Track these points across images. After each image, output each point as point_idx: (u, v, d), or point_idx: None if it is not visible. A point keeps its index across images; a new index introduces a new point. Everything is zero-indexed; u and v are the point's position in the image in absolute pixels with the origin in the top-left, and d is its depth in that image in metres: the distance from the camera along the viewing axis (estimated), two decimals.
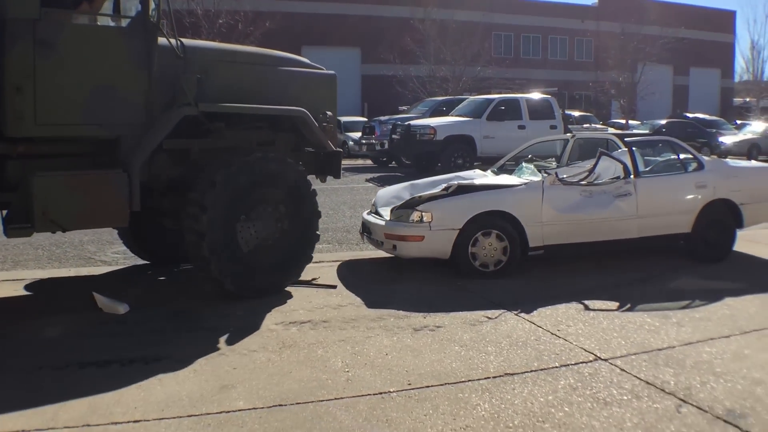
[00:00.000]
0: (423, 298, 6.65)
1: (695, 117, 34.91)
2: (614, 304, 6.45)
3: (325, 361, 5.05)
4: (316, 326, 5.78)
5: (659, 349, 5.26)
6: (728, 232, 8.43)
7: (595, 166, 8.50)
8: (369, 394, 4.47)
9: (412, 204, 7.67)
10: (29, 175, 5.55)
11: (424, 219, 7.36)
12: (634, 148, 8.42)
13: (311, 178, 7.27)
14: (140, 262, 8.16)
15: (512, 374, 4.84)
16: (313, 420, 4.06)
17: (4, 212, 6.03)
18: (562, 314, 6.11)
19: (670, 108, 50.02)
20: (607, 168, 8.61)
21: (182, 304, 6.39)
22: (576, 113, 32.22)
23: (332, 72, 7.67)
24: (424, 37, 33.97)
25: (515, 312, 6.22)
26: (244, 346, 5.34)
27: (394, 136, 20.00)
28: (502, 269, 7.47)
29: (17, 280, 7.27)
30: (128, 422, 3.93)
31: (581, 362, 5.04)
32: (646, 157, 9.23)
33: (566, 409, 4.25)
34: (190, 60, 6.26)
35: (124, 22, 6.28)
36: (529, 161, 9.32)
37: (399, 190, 8.80)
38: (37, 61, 5.48)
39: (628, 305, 6.40)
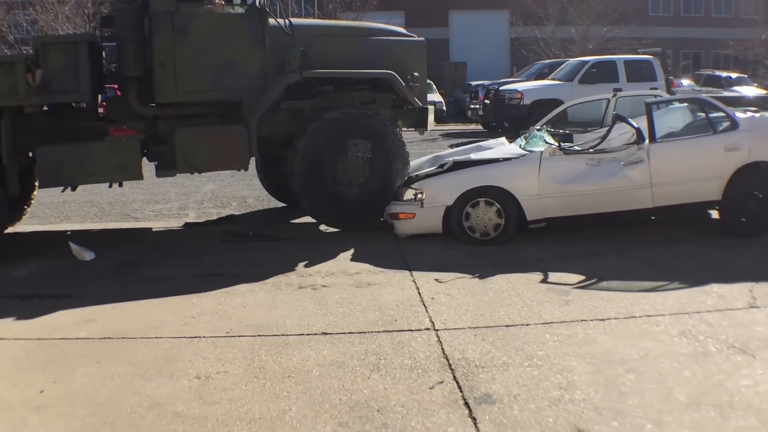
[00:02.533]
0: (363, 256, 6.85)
1: None
2: (538, 276, 6.00)
3: (191, 306, 5.44)
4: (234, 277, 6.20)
5: (507, 326, 4.85)
6: None
7: (609, 131, 7.69)
8: (184, 337, 4.77)
9: (409, 182, 7.65)
10: (173, 130, 7.25)
11: (418, 197, 7.27)
12: (654, 111, 7.43)
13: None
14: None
15: (329, 334, 4.79)
16: (116, 352, 4.54)
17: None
18: (465, 283, 5.85)
19: None
20: (626, 133, 7.83)
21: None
22: (733, 74, 28.86)
23: (421, 39, 8.56)
24: None
25: (420, 276, 6.08)
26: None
27: (486, 100, 19.43)
28: (501, 234, 7.17)
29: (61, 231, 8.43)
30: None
31: (409, 329, 4.83)
32: (676, 120, 8.17)
33: (338, 371, 4.18)
34: (296, 35, 7.57)
35: (242, 9, 7.63)
36: (542, 129, 8.60)
37: (421, 163, 8.63)
38: (176, 43, 7.15)
39: (556, 278, 5.89)
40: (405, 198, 7.41)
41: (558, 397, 3.75)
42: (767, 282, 5.61)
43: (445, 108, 22.86)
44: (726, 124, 7.38)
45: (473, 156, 7.82)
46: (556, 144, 7.44)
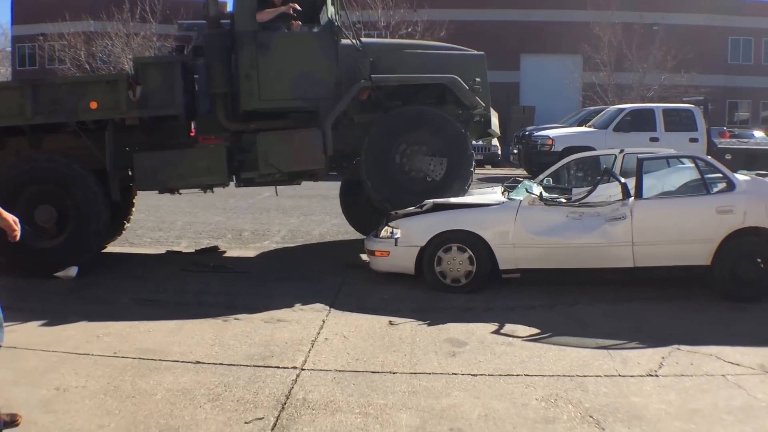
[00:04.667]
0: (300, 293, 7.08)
1: None
2: (457, 326, 5.97)
3: (103, 327, 5.83)
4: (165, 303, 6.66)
5: (373, 372, 4.86)
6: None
7: (596, 185, 7.56)
8: (74, 353, 5.16)
9: (389, 219, 7.74)
10: (256, 136, 8.04)
11: (394, 234, 7.35)
12: (645, 166, 7.24)
13: None
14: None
15: (201, 363, 4.99)
16: (12, 359, 4.84)
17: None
18: (371, 327, 5.95)
19: None
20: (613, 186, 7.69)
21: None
22: None
23: (481, 53, 9.25)
24: (602, 42, 31.59)
25: (334, 317, 6.22)
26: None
27: (518, 146, 19.24)
28: (472, 282, 7.13)
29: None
30: None
31: (276, 366, 4.93)
32: (673, 178, 7.93)
33: (179, 398, 4.36)
34: (366, 51, 8.35)
35: (317, 29, 8.45)
36: (532, 180, 8.56)
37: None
38: (259, 57, 8.04)
39: (469, 330, 5.87)
40: (382, 235, 7.47)
41: None
42: (691, 349, 5.39)
43: (500, 152, 22.73)
44: (722, 185, 7.12)
45: (453, 200, 7.81)
46: (538, 194, 7.33)
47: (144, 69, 7.84)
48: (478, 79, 8.62)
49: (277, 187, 9.38)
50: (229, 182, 8.33)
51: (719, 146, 17.37)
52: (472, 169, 8.48)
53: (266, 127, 8.25)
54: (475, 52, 9.28)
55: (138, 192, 8.77)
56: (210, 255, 8.93)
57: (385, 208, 8.06)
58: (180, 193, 8.74)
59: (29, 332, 5.59)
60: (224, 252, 9.31)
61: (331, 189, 10.94)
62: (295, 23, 8.31)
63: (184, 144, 8.26)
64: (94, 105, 7.67)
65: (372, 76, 8.20)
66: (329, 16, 8.38)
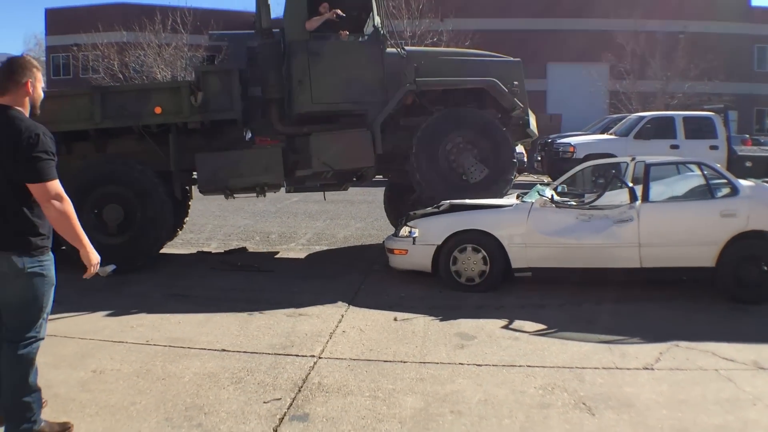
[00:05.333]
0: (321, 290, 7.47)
1: None
2: (469, 321, 6.32)
3: (137, 318, 6.33)
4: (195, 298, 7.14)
5: (385, 361, 5.23)
6: None
7: (605, 188, 7.90)
8: (110, 341, 5.64)
9: (407, 219, 8.12)
10: (309, 136, 8.64)
11: (412, 233, 7.74)
12: (651, 171, 7.54)
13: None
14: None
15: (226, 351, 5.42)
16: (52, 346, 5.19)
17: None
18: (386, 321, 6.30)
19: None
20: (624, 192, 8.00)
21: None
22: None
23: (517, 59, 9.81)
24: (626, 51, 31.65)
25: (352, 312, 6.62)
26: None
27: (542, 153, 19.42)
28: (486, 281, 7.48)
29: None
30: None
31: (296, 355, 5.33)
32: (680, 183, 8.21)
33: (205, 380, 4.77)
34: (409, 58, 8.89)
35: (364, 37, 9.07)
36: (546, 184, 8.93)
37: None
38: (311, 64, 8.63)
39: (478, 325, 6.21)
40: (401, 234, 7.86)
41: (364, 425, 4.12)
42: (689, 345, 5.66)
43: (525, 159, 22.96)
44: (726, 190, 7.38)
45: (469, 201, 8.15)
46: (549, 197, 7.65)
47: (205, 76, 8.45)
48: (516, 83, 9.24)
49: (325, 192, 10.07)
50: (284, 182, 8.85)
51: (740, 154, 17.42)
52: (512, 176, 8.98)
53: (317, 130, 8.75)
54: (512, 58, 9.81)
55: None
56: (238, 255, 9.39)
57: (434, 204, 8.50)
58: (234, 197, 9.26)
59: (67, 322, 6.05)
60: (249, 252, 9.78)
61: (357, 194, 11.38)
62: (343, 33, 8.89)
63: (243, 145, 8.84)
64: (158, 110, 8.30)
65: (416, 79, 8.71)
66: (375, 24, 8.94)
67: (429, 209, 8.11)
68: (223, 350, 5.39)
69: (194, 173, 8.84)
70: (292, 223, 12.17)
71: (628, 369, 5.15)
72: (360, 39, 9.03)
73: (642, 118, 17.67)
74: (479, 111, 9.06)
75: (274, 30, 8.94)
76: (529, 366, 5.20)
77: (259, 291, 7.35)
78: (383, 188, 11.09)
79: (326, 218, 13.15)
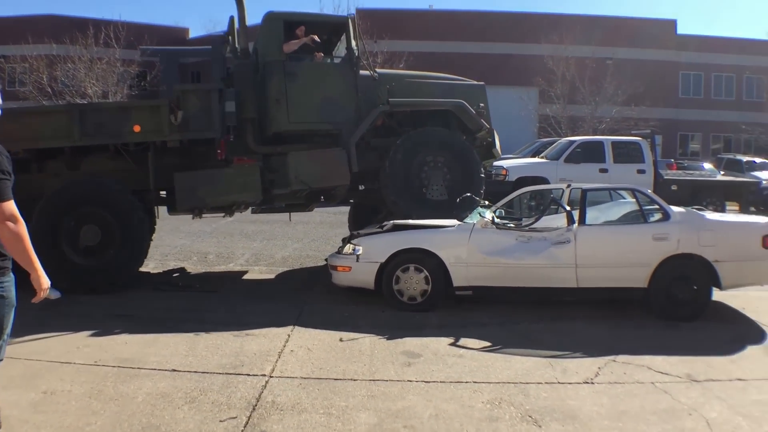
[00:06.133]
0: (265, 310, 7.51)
1: None
2: (413, 340, 6.46)
3: (82, 339, 6.26)
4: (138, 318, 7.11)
5: (336, 379, 5.32)
6: (700, 290, 7.39)
7: (543, 212, 8.28)
8: (57, 362, 5.55)
9: (351, 238, 8.25)
10: (286, 155, 8.82)
11: (356, 251, 7.83)
12: (587, 196, 7.91)
13: None
14: None
15: (177, 371, 5.41)
16: None
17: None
18: (332, 341, 6.39)
19: None
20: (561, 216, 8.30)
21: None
22: (757, 159, 28.62)
23: (481, 83, 10.37)
24: (556, 76, 32.98)
25: (299, 332, 6.67)
26: None
27: None
28: (427, 300, 7.64)
29: None
30: None
31: (247, 374, 5.37)
32: (617, 208, 8.56)
33: (159, 400, 4.77)
34: (381, 80, 9.28)
35: (338, 59, 9.37)
36: (486, 207, 9.16)
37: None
38: (287, 84, 8.84)
39: (422, 344, 6.35)
40: (345, 252, 7.97)
41: None
42: (626, 360, 5.93)
43: None
44: (658, 215, 7.76)
45: (412, 222, 8.35)
46: (490, 218, 7.91)
47: (184, 95, 8.44)
48: (482, 104, 9.73)
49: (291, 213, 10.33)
50: (261, 200, 8.95)
51: (666, 177, 18.18)
52: (481, 194, 9.36)
53: (291, 150, 8.94)
54: (476, 82, 10.37)
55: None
56: (177, 276, 9.32)
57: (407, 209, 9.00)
58: (201, 217, 9.35)
59: (11, 343, 5.88)
60: (190, 273, 9.73)
61: (293, 215, 11.40)
62: (318, 54, 9.20)
63: (220, 164, 8.84)
64: (137, 128, 8.26)
65: (390, 99, 9.14)
66: (351, 47, 9.17)
67: (373, 229, 8.24)
68: (174, 370, 5.38)
69: (161, 192, 8.89)
70: (228, 243, 12.13)
71: (569, 383, 5.37)
72: (334, 61, 9.36)
73: (572, 142, 18.25)
74: (451, 132, 9.44)
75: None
76: (475, 382, 5.37)
77: (204, 311, 7.33)
78: (319, 210, 11.15)
79: (263, 239, 13.14)
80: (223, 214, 9.42)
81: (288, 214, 10.45)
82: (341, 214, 11.63)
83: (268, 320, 6.97)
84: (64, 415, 4.42)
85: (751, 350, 6.39)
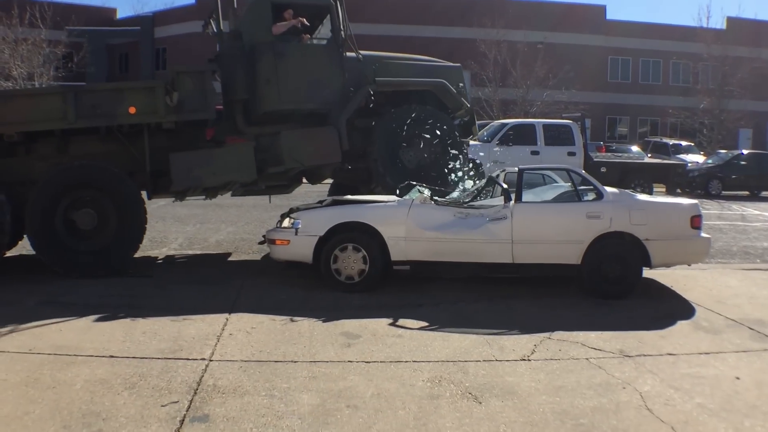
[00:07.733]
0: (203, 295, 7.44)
1: None
2: (352, 321, 6.50)
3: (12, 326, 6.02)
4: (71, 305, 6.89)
5: (276, 361, 5.33)
6: (632, 268, 7.65)
7: (480, 191, 8.53)
8: None
9: (290, 212, 8.23)
10: (279, 134, 9.03)
11: (295, 224, 7.79)
12: (524, 176, 8.07)
13: None
14: None
15: (115, 357, 5.33)
16: None
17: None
18: (271, 324, 6.37)
19: None
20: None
21: None
22: (682, 142, 29.86)
23: (458, 64, 10.95)
24: (488, 59, 33.57)
25: (237, 316, 6.60)
26: None
27: None
28: (364, 280, 7.66)
29: None
30: None
31: (186, 358, 5.32)
32: (553, 187, 8.76)
33: (97, 387, 4.68)
34: (366, 61, 9.57)
35: (325, 41, 9.61)
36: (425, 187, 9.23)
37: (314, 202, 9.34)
38: (278, 64, 9.02)
39: (362, 324, 6.41)
40: (284, 225, 7.95)
41: (265, 423, 4.22)
42: (561, 337, 6.14)
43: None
44: (592, 195, 7.97)
45: (351, 197, 8.45)
46: (429, 194, 8.03)
47: (179, 77, 8.38)
48: (461, 84, 10.22)
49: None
50: (255, 178, 8.98)
51: (595, 160, 18.71)
52: (467, 167, 9.70)
53: (280, 129, 9.12)
54: (453, 64, 10.82)
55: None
56: None
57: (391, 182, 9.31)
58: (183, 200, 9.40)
59: None
60: None
61: (226, 198, 11.31)
62: (305, 36, 9.45)
63: (212, 145, 8.95)
64: (133, 110, 8.21)
65: (377, 79, 9.50)
66: (337, 28, 9.40)
67: (312, 203, 8.33)
68: (112, 356, 5.29)
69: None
70: (161, 227, 11.91)
71: (507, 361, 5.52)
72: (321, 42, 9.61)
73: (505, 125, 18.59)
74: (434, 109, 9.82)
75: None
76: (415, 361, 5.45)
77: (140, 297, 7.20)
78: (258, 195, 11.07)
79: (196, 222, 12.97)
80: (204, 197, 9.47)
81: (268, 196, 10.82)
82: (275, 198, 11.52)
83: (205, 305, 6.90)
84: (1, 405, 4.30)
85: (680, 326, 6.68)
